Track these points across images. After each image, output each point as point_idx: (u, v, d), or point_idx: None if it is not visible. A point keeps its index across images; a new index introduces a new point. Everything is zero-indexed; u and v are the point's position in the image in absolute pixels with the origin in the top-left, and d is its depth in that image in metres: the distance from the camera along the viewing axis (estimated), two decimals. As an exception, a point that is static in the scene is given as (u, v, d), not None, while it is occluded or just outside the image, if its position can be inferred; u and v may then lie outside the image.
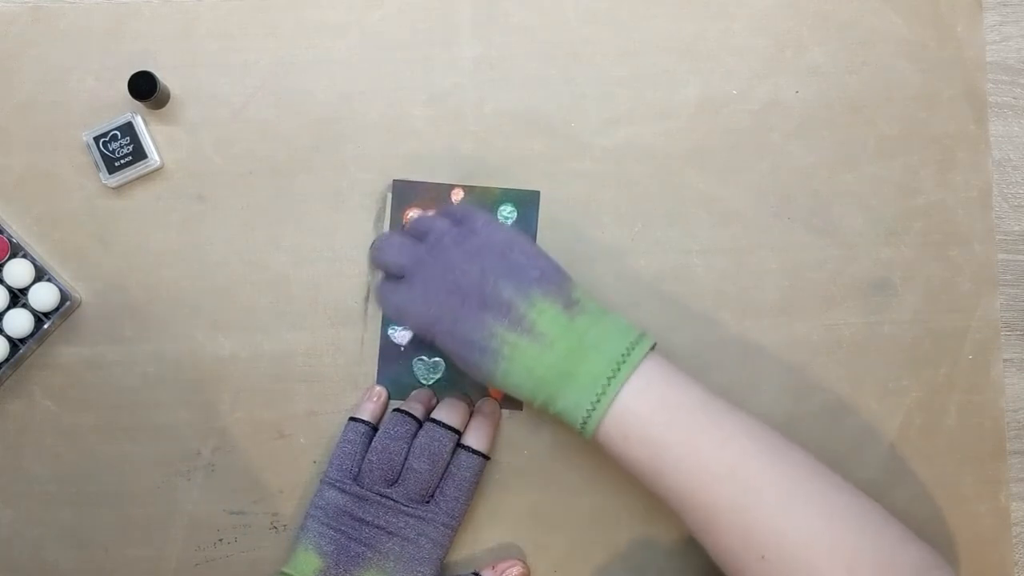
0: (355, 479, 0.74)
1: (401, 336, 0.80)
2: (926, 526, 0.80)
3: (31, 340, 0.78)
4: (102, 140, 0.79)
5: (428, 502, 0.73)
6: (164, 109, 0.81)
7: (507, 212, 0.80)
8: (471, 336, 0.68)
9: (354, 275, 0.81)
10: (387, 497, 0.73)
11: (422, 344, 0.80)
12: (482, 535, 0.80)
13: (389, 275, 0.75)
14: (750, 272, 0.81)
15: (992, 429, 0.80)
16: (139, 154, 0.79)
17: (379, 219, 0.81)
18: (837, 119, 0.81)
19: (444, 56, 0.81)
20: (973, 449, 0.80)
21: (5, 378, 0.79)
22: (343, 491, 0.73)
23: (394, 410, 0.76)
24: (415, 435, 0.75)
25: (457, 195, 0.80)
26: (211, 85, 0.81)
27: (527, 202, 0.81)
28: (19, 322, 0.78)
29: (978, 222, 0.81)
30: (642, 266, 0.81)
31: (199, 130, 0.81)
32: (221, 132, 0.81)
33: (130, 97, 0.78)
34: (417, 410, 0.76)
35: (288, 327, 0.80)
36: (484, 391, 0.80)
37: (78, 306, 0.80)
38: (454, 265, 0.69)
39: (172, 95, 0.81)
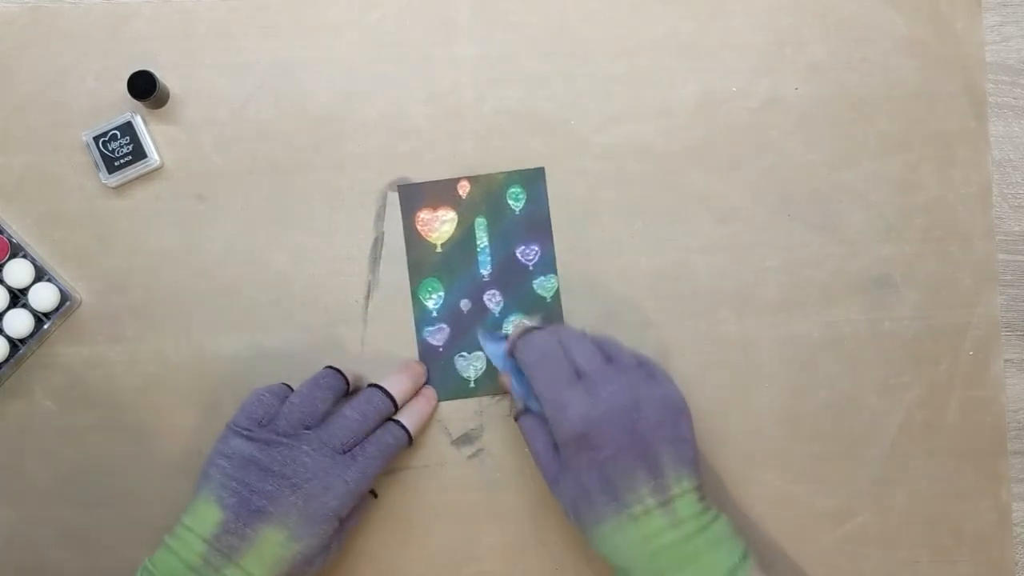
0: (265, 427, 0.72)
1: (437, 337, 0.80)
2: (927, 523, 0.80)
3: (31, 340, 0.78)
4: (102, 140, 0.79)
5: (344, 454, 0.72)
6: (164, 109, 0.81)
7: (516, 194, 0.81)
8: (614, 478, 0.67)
9: (354, 274, 0.81)
10: (298, 439, 0.71)
11: (458, 340, 0.80)
12: (482, 534, 0.80)
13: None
14: (750, 269, 0.81)
15: (993, 425, 0.80)
16: (139, 154, 0.79)
17: (379, 218, 0.81)
18: (837, 116, 0.81)
19: (443, 55, 0.81)
20: (974, 445, 0.80)
21: (5, 378, 0.79)
22: (251, 439, 0.71)
23: (326, 367, 0.76)
24: (341, 392, 0.75)
25: (463, 188, 0.81)
26: (211, 85, 0.81)
27: (533, 180, 0.81)
28: (19, 322, 0.78)
29: (978, 218, 0.81)
30: (642, 264, 0.81)
31: (199, 130, 0.81)
32: (221, 132, 0.81)
33: (130, 97, 0.78)
34: (350, 373, 0.76)
35: (288, 327, 0.80)
36: (490, 389, 0.80)
37: (78, 306, 0.80)
38: (640, 405, 0.68)
39: (172, 95, 0.81)
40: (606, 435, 0.67)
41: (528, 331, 0.74)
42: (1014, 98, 0.82)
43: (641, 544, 0.66)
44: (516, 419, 0.75)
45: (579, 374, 0.70)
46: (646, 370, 0.71)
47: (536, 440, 0.73)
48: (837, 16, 0.82)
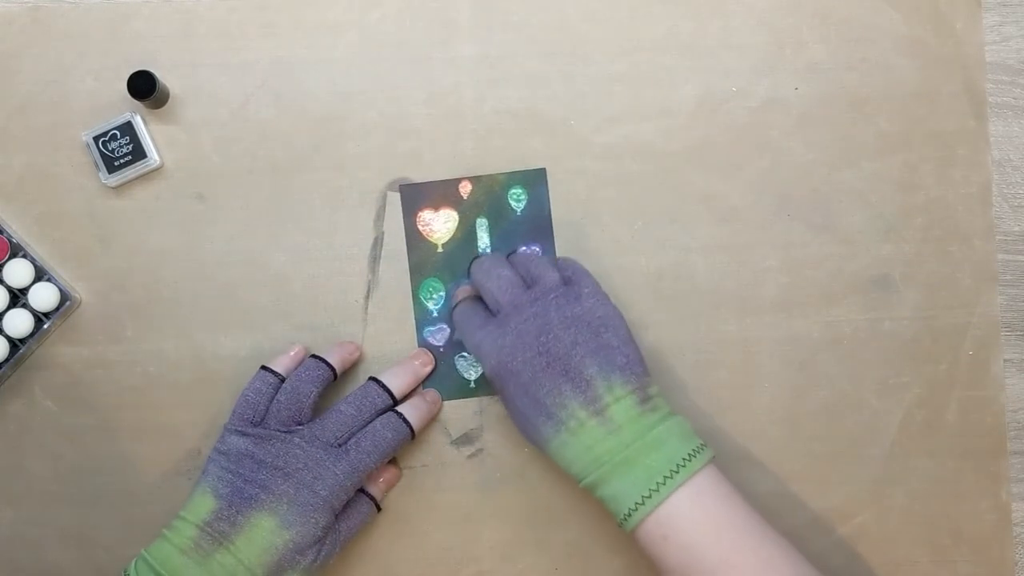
0: (257, 424, 0.74)
1: (438, 337, 0.80)
2: (927, 523, 0.80)
3: (31, 340, 0.78)
4: (102, 140, 0.79)
5: (338, 447, 0.73)
6: (163, 109, 0.81)
7: (517, 194, 0.81)
8: (543, 400, 0.69)
9: (354, 274, 0.81)
10: (291, 433, 0.73)
11: (460, 342, 0.80)
12: (482, 534, 0.80)
13: (473, 299, 0.77)
14: (750, 269, 0.81)
15: (993, 425, 0.80)
16: (139, 154, 0.79)
17: (379, 218, 0.81)
18: (837, 116, 0.81)
19: (443, 55, 0.81)
20: (974, 445, 0.80)
21: (5, 378, 0.79)
22: (244, 434, 0.73)
23: (311, 356, 0.77)
24: (327, 381, 0.76)
25: (465, 188, 0.81)
26: (211, 85, 0.81)
27: (535, 181, 0.81)
28: (19, 322, 0.78)
29: (978, 218, 0.81)
30: (642, 264, 0.81)
31: (199, 130, 0.81)
32: (221, 132, 0.81)
33: (129, 97, 0.78)
34: (334, 358, 0.77)
35: (288, 327, 0.80)
36: (490, 389, 0.80)
37: (78, 306, 0.80)
38: (551, 328, 0.70)
39: (171, 95, 0.81)
40: (520, 360, 0.70)
41: (457, 304, 0.78)
42: (1014, 98, 0.82)
43: (584, 454, 0.68)
44: None
45: (498, 308, 0.73)
46: (570, 290, 0.73)
47: None
48: (837, 16, 0.82)
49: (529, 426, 0.71)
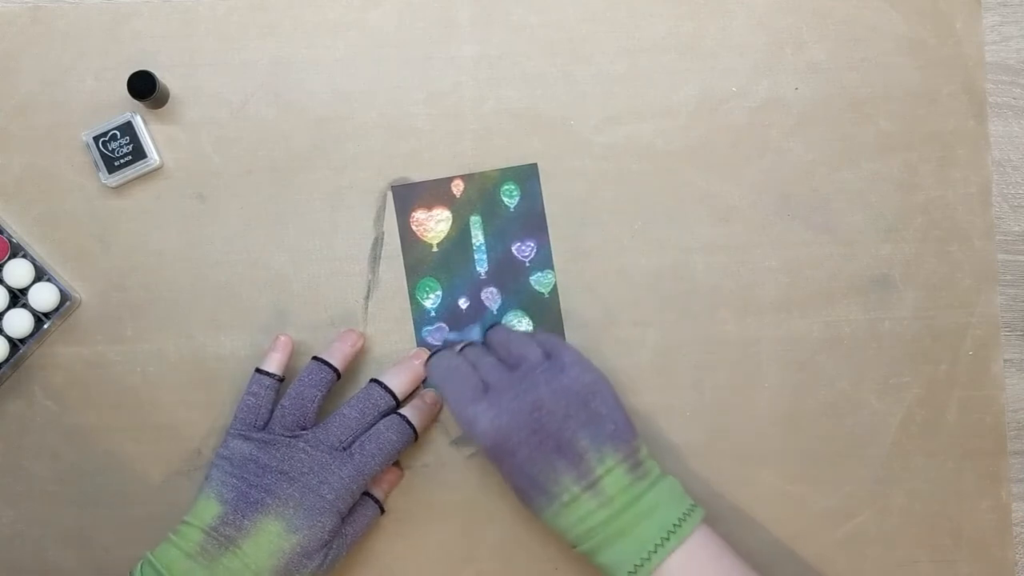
0: (261, 429, 0.74)
1: (436, 336, 0.81)
2: (927, 523, 0.80)
3: (31, 340, 0.78)
4: (102, 140, 0.79)
5: (343, 451, 0.73)
6: (163, 109, 0.81)
7: (510, 191, 0.81)
8: (537, 476, 0.69)
9: (354, 274, 0.81)
10: (295, 438, 0.73)
11: (459, 339, 0.81)
12: (482, 534, 0.80)
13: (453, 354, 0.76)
14: (750, 269, 0.81)
15: (993, 425, 0.80)
16: (139, 154, 0.79)
17: (379, 218, 0.81)
18: (836, 116, 0.81)
19: (443, 55, 0.81)
20: (974, 445, 0.80)
21: (5, 378, 0.79)
22: (248, 439, 0.73)
23: (312, 358, 0.76)
24: (331, 383, 0.76)
25: (457, 186, 0.81)
26: (210, 85, 0.81)
27: (527, 177, 0.81)
28: (19, 322, 0.78)
29: (978, 218, 0.81)
30: (642, 264, 0.81)
31: (198, 130, 0.81)
32: (221, 132, 0.81)
33: (129, 97, 0.78)
34: (336, 358, 0.77)
35: (288, 326, 0.80)
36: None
37: (78, 306, 0.80)
38: (542, 403, 0.70)
39: (171, 95, 0.81)
40: (515, 441, 0.69)
41: (435, 353, 0.76)
42: (1014, 98, 0.82)
43: (577, 525, 0.68)
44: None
45: (487, 387, 0.72)
46: (554, 363, 0.72)
47: None
48: (837, 16, 0.81)
49: (523, 497, 0.71)
